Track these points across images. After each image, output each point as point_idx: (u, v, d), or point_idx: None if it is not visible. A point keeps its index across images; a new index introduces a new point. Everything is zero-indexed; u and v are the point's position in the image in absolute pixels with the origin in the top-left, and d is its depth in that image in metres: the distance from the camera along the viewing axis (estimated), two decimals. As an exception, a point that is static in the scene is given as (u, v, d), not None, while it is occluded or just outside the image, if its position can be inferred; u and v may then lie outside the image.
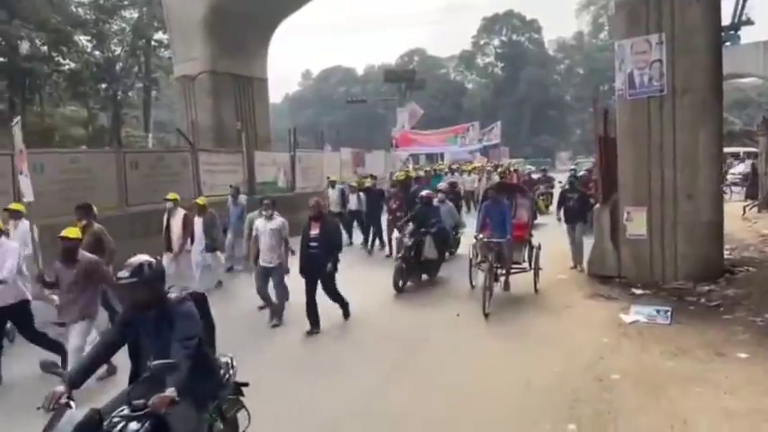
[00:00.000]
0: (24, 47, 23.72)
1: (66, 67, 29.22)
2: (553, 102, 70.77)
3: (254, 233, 7.85)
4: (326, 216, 7.65)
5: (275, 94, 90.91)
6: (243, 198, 11.79)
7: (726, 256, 9.68)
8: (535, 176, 23.53)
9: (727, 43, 26.79)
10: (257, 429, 3.98)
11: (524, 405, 5.06)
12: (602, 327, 7.15)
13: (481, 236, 8.47)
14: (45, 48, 26.68)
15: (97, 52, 30.95)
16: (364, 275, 10.35)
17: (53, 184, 9.43)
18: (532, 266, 9.11)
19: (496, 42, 76.41)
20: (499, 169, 24.00)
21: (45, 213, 9.34)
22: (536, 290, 8.88)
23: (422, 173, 19.88)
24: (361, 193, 13.64)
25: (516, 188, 11.06)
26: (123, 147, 13.73)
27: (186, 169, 12.59)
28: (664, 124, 8.75)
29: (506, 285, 8.90)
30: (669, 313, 7.34)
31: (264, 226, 7.61)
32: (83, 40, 30.07)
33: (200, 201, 9.91)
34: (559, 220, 10.55)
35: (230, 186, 11.91)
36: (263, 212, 7.75)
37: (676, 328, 6.94)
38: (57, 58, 27.88)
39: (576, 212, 10.28)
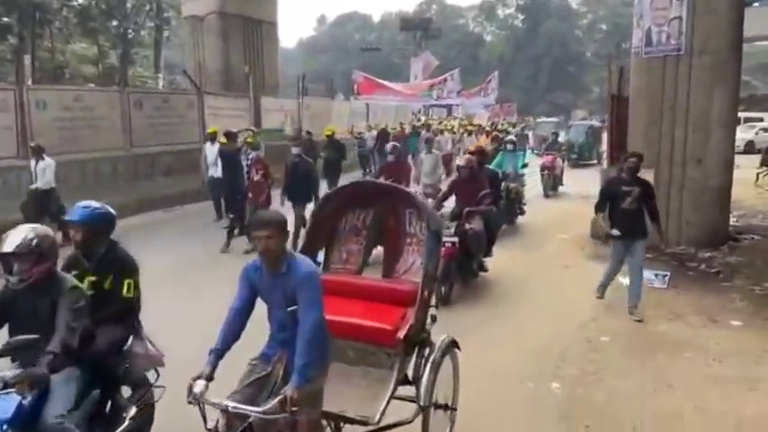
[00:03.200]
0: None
1: (76, 2, 28.68)
2: (573, 57, 68.99)
3: None
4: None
5: (289, 39, 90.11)
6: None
7: (732, 223, 9.55)
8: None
9: (756, 4, 25.80)
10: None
11: (511, 363, 5.08)
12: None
13: None
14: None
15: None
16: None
17: (55, 122, 9.38)
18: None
19: (518, -7, 74.04)
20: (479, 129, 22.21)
21: (47, 151, 9.36)
22: None
23: (407, 127, 19.29)
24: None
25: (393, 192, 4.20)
26: (129, 86, 13.45)
27: (192, 112, 12.47)
28: (678, 85, 8.46)
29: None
30: (667, 278, 7.29)
31: None
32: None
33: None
34: (610, 236, 6.36)
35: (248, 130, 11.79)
36: None
37: (673, 293, 6.90)
38: (66, -8, 27.36)
39: (636, 218, 6.09)
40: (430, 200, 8.85)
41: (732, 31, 8.21)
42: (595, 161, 20.63)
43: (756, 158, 17.99)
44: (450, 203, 7.48)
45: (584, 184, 14.55)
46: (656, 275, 7.37)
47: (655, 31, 8.62)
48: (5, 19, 26.04)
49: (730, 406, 4.29)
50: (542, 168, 14.54)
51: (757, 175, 15.65)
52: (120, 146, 10.76)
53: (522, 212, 11.14)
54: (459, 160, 11.53)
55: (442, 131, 18.93)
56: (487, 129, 20.46)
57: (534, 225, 11.03)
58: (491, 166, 9.75)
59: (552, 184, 14.54)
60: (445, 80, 23.59)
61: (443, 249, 5.17)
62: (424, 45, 39.30)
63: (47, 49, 31.13)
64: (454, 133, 19.88)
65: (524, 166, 11.48)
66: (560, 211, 12.49)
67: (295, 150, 9.23)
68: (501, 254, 8.03)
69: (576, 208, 11.60)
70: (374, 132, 18.50)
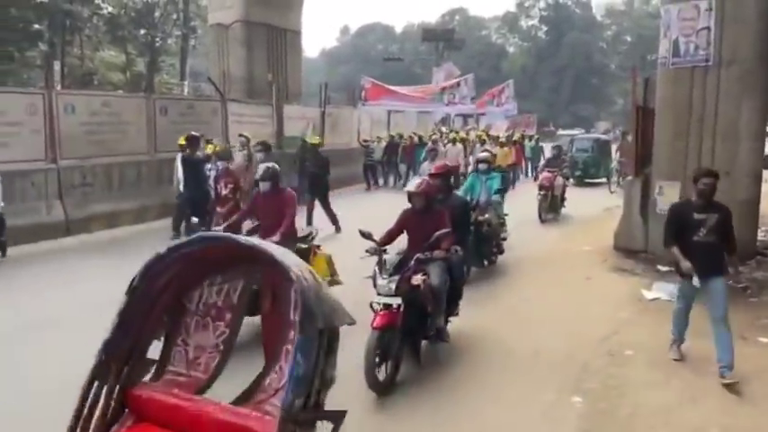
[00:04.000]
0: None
1: (106, 10, 29.34)
2: (596, 69, 68.52)
3: None
4: None
5: (312, 49, 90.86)
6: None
7: (760, 238, 9.33)
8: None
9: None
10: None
11: (531, 374, 5.00)
12: (622, 301, 7.01)
13: None
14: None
15: (136, -3, 31.04)
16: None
17: (83, 126, 9.56)
18: None
19: (542, 4, 73.89)
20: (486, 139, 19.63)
21: (74, 154, 9.56)
22: None
23: (409, 139, 18.26)
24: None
25: (260, 255, 2.50)
26: (154, 93, 13.67)
27: (216, 118, 12.62)
28: (707, 96, 8.32)
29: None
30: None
31: None
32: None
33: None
34: (684, 275, 5.07)
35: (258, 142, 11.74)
36: None
37: (698, 309, 6.72)
38: (96, 1, 27.98)
39: (714, 252, 5.07)
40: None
41: (761, 40, 8.05)
42: (604, 179, 19.14)
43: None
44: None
45: (589, 204, 14.07)
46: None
47: (682, 41, 8.50)
48: (36, 26, 26.74)
49: (755, 425, 4.16)
50: (540, 188, 12.61)
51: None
52: (145, 150, 10.90)
53: (501, 251, 8.84)
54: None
55: (453, 141, 17.59)
56: (502, 140, 19.01)
57: (507, 267, 8.84)
58: (461, 192, 8.20)
59: (550, 206, 12.50)
60: (458, 84, 22.29)
61: (376, 317, 4.46)
62: (447, 56, 39.34)
63: (76, 56, 31.86)
64: (465, 144, 18.23)
65: (499, 191, 8.87)
66: (555, 240, 10.99)
67: (260, 156, 8.88)
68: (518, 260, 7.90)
69: (574, 236, 11.08)
70: (384, 143, 18.24)
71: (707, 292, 4.98)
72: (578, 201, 14.23)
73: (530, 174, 20.97)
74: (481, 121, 28.55)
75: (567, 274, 8.39)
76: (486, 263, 8.41)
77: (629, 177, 9.69)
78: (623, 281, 7.90)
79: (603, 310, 6.70)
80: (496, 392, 4.66)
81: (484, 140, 18.43)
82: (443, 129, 26.20)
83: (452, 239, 5.17)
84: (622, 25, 73.46)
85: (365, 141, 18.07)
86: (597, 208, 13.64)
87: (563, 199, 13.01)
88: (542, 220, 12.10)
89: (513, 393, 4.64)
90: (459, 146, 17.17)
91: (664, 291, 7.26)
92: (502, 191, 9.12)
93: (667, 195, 8.72)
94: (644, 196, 9.08)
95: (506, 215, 9.18)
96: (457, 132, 20.77)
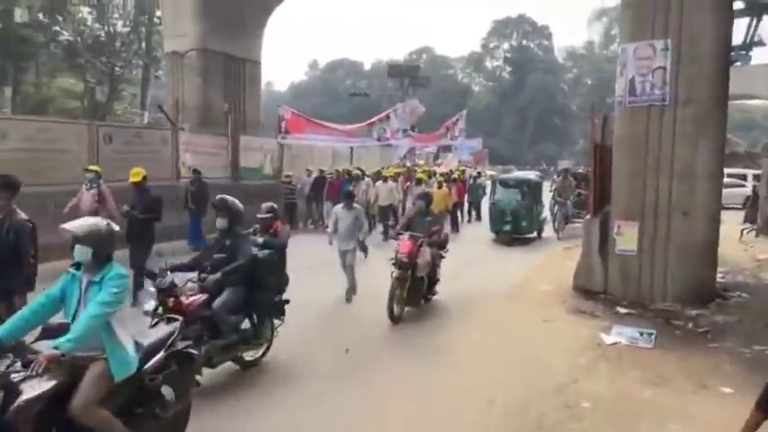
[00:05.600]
0: (19, 13, 23.13)
1: (63, 37, 28.67)
2: (558, 110, 70.33)
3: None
4: None
5: (281, 83, 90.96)
6: None
7: (718, 280, 9.20)
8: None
9: (737, 63, 26.31)
10: None
11: (484, 427, 4.59)
12: (580, 346, 6.67)
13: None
14: (41, 15, 26.06)
15: (97, 25, 30.36)
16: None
17: (15, 152, 8.93)
18: None
19: (506, 46, 75.89)
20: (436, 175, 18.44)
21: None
22: None
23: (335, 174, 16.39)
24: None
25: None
26: (100, 120, 12.99)
27: (165, 148, 12.09)
28: (663, 135, 8.24)
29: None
30: (653, 336, 6.86)
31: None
32: (83, 11, 29.49)
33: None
34: None
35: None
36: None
37: (659, 354, 6.45)
38: (54, 28, 27.27)
39: None
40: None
41: (717, 81, 8.05)
42: (534, 234, 15.40)
43: (737, 214, 17.92)
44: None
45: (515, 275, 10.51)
46: (642, 334, 6.96)
47: (639, 80, 8.45)
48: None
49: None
50: (395, 264, 7.56)
51: (741, 231, 15.46)
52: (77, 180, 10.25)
53: (433, 293, 8.47)
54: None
55: (385, 179, 15.48)
56: (439, 178, 16.98)
57: (460, 304, 8.47)
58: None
59: (409, 294, 7.59)
60: (388, 117, 19.42)
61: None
62: (412, 92, 39.57)
63: (32, 84, 30.93)
64: (396, 181, 16.12)
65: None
66: (513, 275, 10.17)
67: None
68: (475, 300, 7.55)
69: (532, 274, 10.87)
70: (313, 176, 16.26)
71: None
72: (501, 271, 11.00)
73: (468, 215, 19.50)
74: (449, 154, 27.85)
75: (524, 314, 8.06)
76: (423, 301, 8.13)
77: (587, 216, 9.52)
78: (582, 323, 7.60)
79: (561, 355, 6.35)
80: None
81: (420, 179, 15.93)
82: (407, 164, 26.00)
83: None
84: (582, 68, 75.84)
85: (287, 176, 15.88)
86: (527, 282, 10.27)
87: (433, 282, 8.29)
88: (392, 320, 7.34)
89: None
90: (391, 183, 15.35)
91: (623, 334, 7.00)
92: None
93: (626, 235, 8.57)
94: (603, 235, 8.89)
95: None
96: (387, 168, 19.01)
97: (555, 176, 18.24)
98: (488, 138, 47.29)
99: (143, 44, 32.31)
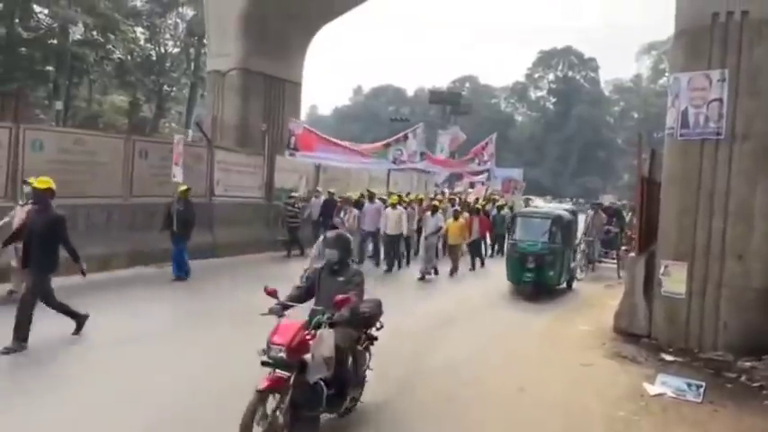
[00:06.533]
0: (75, 30, 24.05)
1: (116, 55, 29.66)
2: (603, 143, 69.00)
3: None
4: None
5: (325, 107, 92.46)
6: None
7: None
8: None
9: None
10: None
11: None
12: (621, 396, 6.13)
13: None
14: (95, 33, 27.07)
15: (149, 45, 31.39)
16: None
17: (50, 164, 8.97)
18: None
19: (551, 77, 75.28)
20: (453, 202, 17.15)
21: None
22: None
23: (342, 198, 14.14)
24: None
25: None
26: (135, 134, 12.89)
27: (200, 165, 12.07)
28: (717, 171, 7.67)
29: None
30: (702, 389, 6.25)
31: None
32: (137, 31, 30.54)
33: None
34: None
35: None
36: None
37: (708, 410, 5.86)
38: (107, 46, 28.28)
39: None
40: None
41: (778, 115, 7.47)
42: (564, 284, 12.23)
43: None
44: None
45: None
46: (690, 385, 6.35)
47: (692, 112, 7.92)
48: (47, 67, 26.90)
49: None
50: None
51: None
52: (119, 193, 10.27)
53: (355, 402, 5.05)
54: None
55: (393, 205, 13.48)
56: (456, 207, 15.28)
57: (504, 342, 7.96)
58: None
59: None
60: (405, 138, 16.99)
61: None
62: (454, 120, 39.42)
63: (84, 99, 32.00)
64: (406, 207, 14.30)
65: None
66: (549, 315, 9.74)
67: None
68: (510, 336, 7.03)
69: (570, 314, 9.84)
70: (322, 198, 14.91)
71: None
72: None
73: (493, 250, 17.72)
74: (491, 181, 25.83)
75: (560, 357, 7.53)
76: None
77: (632, 254, 8.95)
78: (623, 370, 7.03)
79: (599, 405, 5.82)
80: None
81: (435, 207, 14.03)
82: (445, 190, 25.34)
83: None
84: (630, 102, 74.41)
85: (290, 197, 14.65)
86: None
87: (349, 386, 4.91)
88: None
89: None
90: (400, 209, 13.47)
91: (669, 385, 6.41)
92: None
93: (674, 276, 7.98)
94: (648, 275, 8.32)
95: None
96: (408, 195, 17.34)
97: (588, 211, 16.76)
98: (530, 168, 46.58)
99: (192, 64, 33.11)
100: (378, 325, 5.25)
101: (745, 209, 7.49)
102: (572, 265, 12.48)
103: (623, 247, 14.96)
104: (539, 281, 11.12)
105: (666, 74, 66.00)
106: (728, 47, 7.65)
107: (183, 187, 10.07)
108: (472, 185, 24.47)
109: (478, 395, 5.97)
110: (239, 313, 7.55)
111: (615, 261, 14.82)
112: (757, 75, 7.46)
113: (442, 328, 8.56)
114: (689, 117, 7.94)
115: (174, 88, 35.44)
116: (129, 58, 29.74)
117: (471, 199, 19.60)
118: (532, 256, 11.18)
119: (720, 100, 7.67)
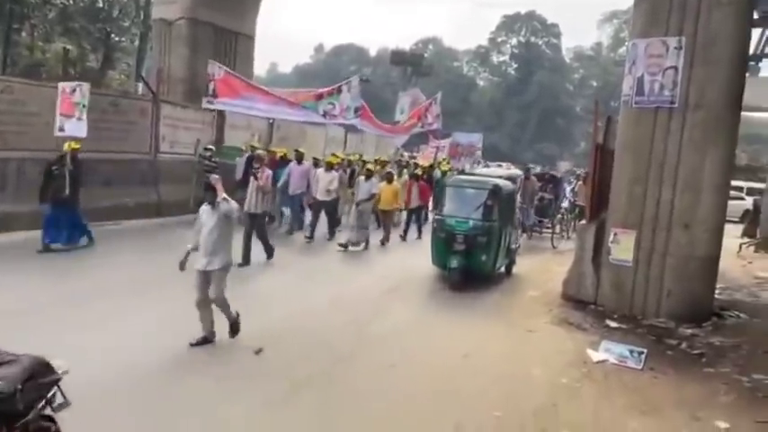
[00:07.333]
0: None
1: (59, 0, 27.76)
2: (562, 110, 69.51)
3: None
4: None
5: (286, 65, 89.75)
6: None
7: (717, 297, 8.69)
8: None
9: (746, 74, 25.69)
10: None
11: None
12: (565, 363, 6.15)
13: None
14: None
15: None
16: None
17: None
18: None
19: (514, 42, 74.95)
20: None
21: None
22: None
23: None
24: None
25: None
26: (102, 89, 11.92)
27: (144, 120, 11.44)
28: (669, 140, 7.67)
29: None
30: (643, 356, 6.33)
31: None
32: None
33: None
34: None
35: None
36: None
37: (649, 377, 5.93)
38: (49, -10, 26.45)
39: None
40: None
41: (731, 86, 7.47)
42: (502, 269, 10.19)
43: (735, 227, 17.38)
44: None
45: None
46: (632, 352, 6.42)
47: (648, 80, 7.85)
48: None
49: None
50: None
51: (740, 245, 14.96)
52: (54, 147, 9.59)
53: None
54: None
55: (330, 165, 12.30)
56: (389, 169, 14.47)
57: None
58: None
59: None
60: (339, 90, 15.19)
61: None
62: (415, 81, 38.93)
63: (26, 46, 30.06)
64: (337, 169, 12.76)
65: None
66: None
67: None
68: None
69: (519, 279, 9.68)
70: (245, 156, 12.76)
71: None
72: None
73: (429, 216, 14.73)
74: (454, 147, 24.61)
75: (506, 323, 7.53)
76: None
77: (583, 222, 8.97)
78: (569, 337, 7.07)
79: (543, 372, 5.82)
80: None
81: (370, 170, 12.78)
82: (405, 154, 24.94)
83: None
84: (589, 70, 74.88)
85: (206, 149, 12.94)
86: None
87: None
88: None
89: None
90: (334, 173, 12.23)
91: (612, 352, 6.47)
92: None
93: (622, 245, 8.05)
94: (597, 243, 8.35)
95: None
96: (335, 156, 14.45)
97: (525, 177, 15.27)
98: (489, 133, 46.55)
99: (141, 13, 31.34)
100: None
101: (694, 179, 7.53)
102: (512, 246, 10.35)
103: (558, 215, 14.95)
104: (469, 267, 9.06)
105: (626, 43, 66.30)
106: (687, 13, 7.55)
107: (77, 144, 8.85)
108: (438, 150, 23.21)
109: (421, 363, 5.89)
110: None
111: (550, 230, 14.53)
112: (713, 43, 7.40)
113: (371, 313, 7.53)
114: (644, 84, 7.87)
115: (124, 38, 33.56)
116: (71, 2, 27.85)
117: (423, 163, 18.28)
118: (461, 237, 9.09)
119: (675, 68, 7.61)
